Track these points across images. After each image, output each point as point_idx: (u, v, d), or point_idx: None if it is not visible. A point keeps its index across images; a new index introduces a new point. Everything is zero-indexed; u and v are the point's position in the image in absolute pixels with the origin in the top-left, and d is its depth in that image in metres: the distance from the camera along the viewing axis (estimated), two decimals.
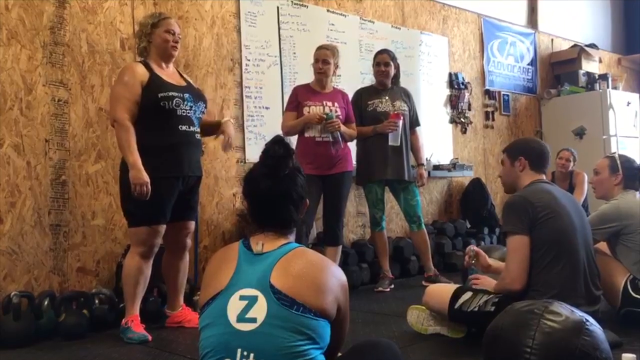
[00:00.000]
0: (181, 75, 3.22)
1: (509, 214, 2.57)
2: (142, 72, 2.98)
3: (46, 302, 3.10)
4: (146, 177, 2.86)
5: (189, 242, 3.27)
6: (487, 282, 2.71)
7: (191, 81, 3.29)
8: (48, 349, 2.87)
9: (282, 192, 1.70)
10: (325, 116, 3.75)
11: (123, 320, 2.98)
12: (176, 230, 3.13)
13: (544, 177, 2.71)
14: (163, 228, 3.02)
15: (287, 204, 1.71)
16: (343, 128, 3.85)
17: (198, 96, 3.16)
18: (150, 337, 2.91)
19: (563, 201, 2.57)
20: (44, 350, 2.85)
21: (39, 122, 3.42)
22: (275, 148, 1.72)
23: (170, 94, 2.98)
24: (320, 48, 3.95)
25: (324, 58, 3.88)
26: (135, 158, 2.87)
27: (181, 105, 3.01)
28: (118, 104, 2.93)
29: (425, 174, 4.51)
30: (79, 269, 3.54)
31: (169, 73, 3.11)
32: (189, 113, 3.04)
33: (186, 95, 3.04)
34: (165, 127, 2.98)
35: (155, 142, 2.95)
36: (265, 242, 1.67)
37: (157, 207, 2.95)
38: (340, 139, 3.82)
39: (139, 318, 2.99)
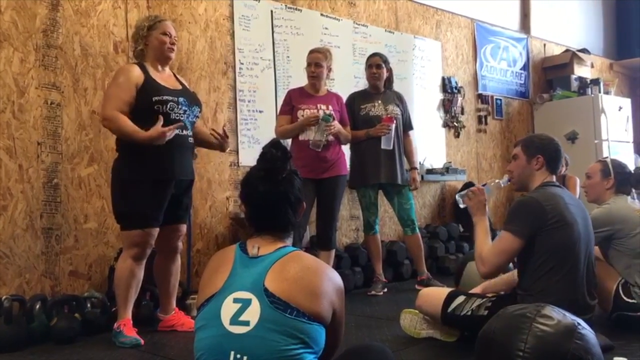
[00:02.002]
0: (177, 79, 3.21)
1: (518, 212, 2.54)
2: (137, 74, 2.96)
3: (38, 306, 3.08)
4: (153, 130, 2.83)
5: (181, 245, 3.26)
6: (478, 200, 2.71)
7: (186, 84, 3.28)
8: (40, 353, 2.84)
9: (280, 195, 1.71)
10: (320, 114, 3.74)
11: (115, 323, 2.97)
12: (168, 233, 3.12)
13: (554, 178, 2.68)
14: (156, 231, 3.01)
15: (285, 207, 1.72)
16: (338, 126, 3.84)
17: (193, 100, 3.14)
18: (142, 341, 2.90)
19: (572, 209, 2.53)
20: (36, 355, 2.83)
21: (31, 125, 3.41)
22: (273, 151, 1.72)
23: (165, 97, 2.96)
24: (312, 51, 3.95)
25: (317, 61, 3.88)
26: (141, 133, 2.84)
27: (175, 109, 2.99)
28: (108, 103, 2.92)
29: (418, 178, 4.52)
30: (71, 272, 3.52)
31: (164, 76, 3.10)
32: (182, 117, 3.02)
33: (180, 100, 3.02)
34: None
35: (147, 144, 2.92)
36: (262, 245, 1.68)
37: (149, 210, 2.94)
38: (319, 145, 3.74)
39: (131, 321, 2.98)
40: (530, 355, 1.76)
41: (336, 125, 3.80)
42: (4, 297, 2.99)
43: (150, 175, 2.91)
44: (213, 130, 3.25)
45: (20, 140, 3.37)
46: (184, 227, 3.25)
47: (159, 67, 3.09)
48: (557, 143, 2.71)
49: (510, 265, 3.27)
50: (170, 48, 3.09)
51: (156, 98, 2.95)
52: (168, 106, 2.96)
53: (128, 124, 2.87)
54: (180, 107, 3.01)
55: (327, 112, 3.79)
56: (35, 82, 3.44)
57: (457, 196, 2.85)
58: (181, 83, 3.19)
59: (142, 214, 2.92)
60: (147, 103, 2.93)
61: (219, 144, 3.25)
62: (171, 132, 2.87)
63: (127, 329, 2.92)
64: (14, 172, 3.34)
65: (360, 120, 4.23)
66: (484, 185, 2.77)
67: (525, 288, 2.50)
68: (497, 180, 2.82)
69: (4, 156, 3.31)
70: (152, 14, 3.49)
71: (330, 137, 3.81)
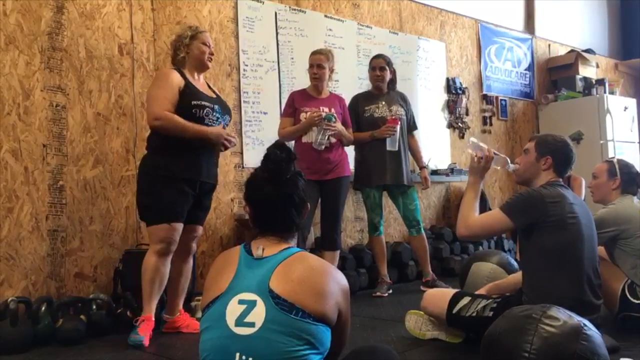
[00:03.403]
0: (210, 87, 3.31)
1: (520, 200, 2.55)
2: (178, 79, 3.07)
3: (44, 308, 3.09)
4: (215, 129, 3.06)
5: (195, 246, 3.31)
6: (484, 165, 2.74)
7: (219, 94, 3.37)
8: (45, 355, 2.85)
9: (285, 196, 1.71)
10: (323, 114, 3.75)
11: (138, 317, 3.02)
12: (184, 233, 3.16)
13: (560, 180, 2.68)
14: (181, 227, 3.08)
15: (290, 208, 1.72)
16: (340, 127, 3.84)
17: (225, 109, 3.25)
18: (146, 343, 2.89)
19: (576, 208, 2.53)
20: (42, 356, 2.84)
21: (36, 127, 3.42)
22: (277, 152, 1.73)
23: (203, 103, 3.08)
24: (314, 53, 3.96)
25: (318, 63, 3.88)
26: (199, 128, 3.02)
27: (210, 115, 3.10)
28: (156, 103, 3.01)
29: (429, 176, 4.52)
30: (76, 274, 3.53)
31: (200, 84, 3.21)
32: (215, 124, 3.12)
33: (216, 107, 3.14)
34: None
35: (179, 144, 3.00)
36: (266, 246, 1.68)
37: (176, 205, 3.03)
38: (323, 145, 3.76)
39: (153, 319, 3.01)
40: (536, 357, 1.76)
41: (338, 126, 3.80)
42: (9, 299, 3.00)
43: (181, 173, 3.01)
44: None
45: (25, 142, 3.38)
46: (200, 229, 3.30)
47: (195, 75, 3.21)
48: (570, 148, 2.71)
49: (516, 265, 3.27)
50: (209, 58, 3.23)
51: (195, 102, 3.05)
52: (204, 111, 3.08)
53: (182, 121, 2.99)
54: (214, 114, 3.12)
55: (330, 113, 3.80)
56: (41, 84, 3.46)
57: (472, 140, 2.83)
58: (214, 92, 3.30)
59: (169, 208, 3.01)
60: (186, 106, 3.04)
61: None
62: (225, 141, 3.10)
63: (143, 326, 2.95)
64: (20, 175, 3.35)
65: (365, 122, 4.23)
66: (495, 154, 2.76)
67: (530, 288, 2.49)
68: (506, 158, 2.79)
69: (10, 158, 3.32)
70: (193, 25, 3.52)
71: (333, 139, 3.81)
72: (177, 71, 3.13)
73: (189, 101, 3.05)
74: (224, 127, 3.21)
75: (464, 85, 6.09)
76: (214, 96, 3.25)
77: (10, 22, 3.37)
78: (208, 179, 3.17)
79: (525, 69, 6.93)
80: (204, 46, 3.20)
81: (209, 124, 3.10)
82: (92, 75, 3.66)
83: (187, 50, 3.18)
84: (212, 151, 3.17)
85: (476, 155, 2.74)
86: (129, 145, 3.76)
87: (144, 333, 2.92)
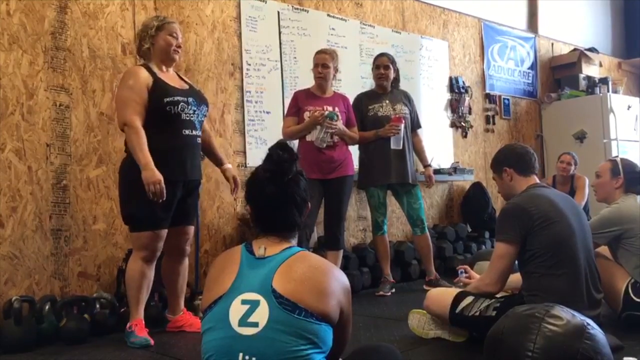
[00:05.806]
0: (181, 78, 3.22)
1: (502, 220, 2.59)
2: (145, 76, 2.97)
3: (47, 307, 3.10)
4: (159, 175, 2.83)
5: (189, 248, 3.26)
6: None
7: (192, 83, 3.29)
8: (49, 354, 2.86)
9: (286, 196, 1.70)
10: (326, 113, 3.75)
11: (128, 324, 2.98)
12: (175, 235, 3.13)
13: (536, 179, 2.71)
14: (165, 232, 3.02)
15: (291, 208, 1.72)
16: (341, 126, 3.83)
17: (201, 99, 3.16)
18: (152, 341, 2.91)
19: (560, 205, 2.55)
20: (45, 355, 2.85)
21: (40, 126, 3.43)
22: (280, 153, 1.72)
23: (176, 98, 2.98)
24: (319, 52, 3.96)
25: (323, 62, 3.88)
26: (148, 159, 2.83)
27: (185, 109, 3.01)
28: (127, 107, 2.91)
29: (433, 175, 4.51)
30: (80, 273, 3.54)
31: (170, 76, 3.11)
32: (192, 117, 3.05)
33: (190, 100, 3.04)
34: (170, 131, 2.98)
35: (159, 145, 2.93)
36: (268, 246, 1.67)
37: (159, 211, 2.95)
38: (324, 143, 3.77)
39: (143, 322, 2.99)
40: (539, 356, 1.75)
41: (339, 124, 3.80)
42: (13, 298, 3.01)
43: (162, 175, 2.90)
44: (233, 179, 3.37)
45: (29, 142, 3.39)
46: (191, 229, 3.26)
47: (164, 68, 3.11)
48: (518, 147, 2.80)
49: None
50: (175, 50, 3.10)
51: (167, 99, 2.96)
52: (179, 107, 2.99)
53: (143, 142, 2.86)
54: (190, 107, 3.03)
55: (333, 111, 3.80)
56: (44, 84, 3.46)
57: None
58: (187, 82, 3.21)
59: (152, 215, 2.93)
60: (158, 104, 2.94)
61: (232, 189, 3.39)
62: (163, 193, 2.84)
63: (138, 329, 2.93)
64: (24, 174, 3.36)
65: (369, 121, 4.22)
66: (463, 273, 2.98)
67: (530, 289, 2.49)
68: (461, 277, 2.98)
69: (14, 158, 3.33)
70: (161, 15, 3.48)
71: (336, 138, 3.82)
72: (145, 67, 3.03)
73: (161, 99, 2.94)
74: (202, 118, 3.11)
75: (466, 84, 6.08)
76: (187, 87, 3.14)
77: (13, 21, 3.37)
78: (193, 176, 3.09)
79: (528, 68, 6.92)
80: (171, 38, 3.07)
81: (186, 118, 3.01)
82: (95, 74, 3.67)
83: (152, 42, 3.06)
84: (194, 147, 3.08)
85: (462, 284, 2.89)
86: None
87: (143, 334, 2.92)
